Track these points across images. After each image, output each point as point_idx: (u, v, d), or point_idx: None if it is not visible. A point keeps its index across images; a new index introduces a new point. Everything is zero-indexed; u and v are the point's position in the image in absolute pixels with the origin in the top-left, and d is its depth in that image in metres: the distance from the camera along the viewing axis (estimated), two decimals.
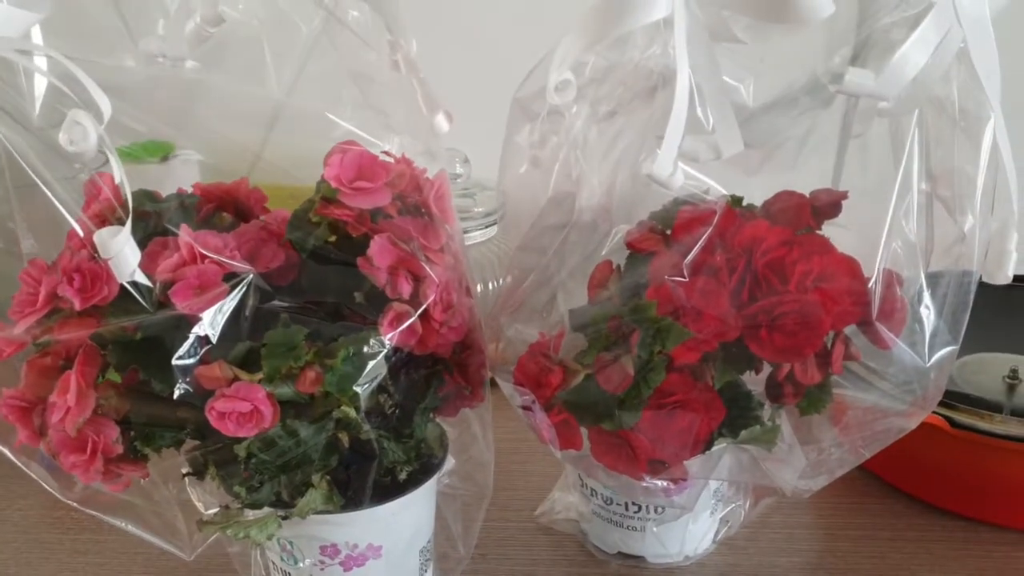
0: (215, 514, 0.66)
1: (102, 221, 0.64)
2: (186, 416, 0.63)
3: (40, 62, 0.58)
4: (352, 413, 0.63)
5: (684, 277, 0.61)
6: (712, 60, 0.56)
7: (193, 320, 0.60)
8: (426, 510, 0.73)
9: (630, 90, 0.58)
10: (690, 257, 0.61)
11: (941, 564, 0.79)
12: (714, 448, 0.67)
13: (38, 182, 0.57)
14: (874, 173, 0.68)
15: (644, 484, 0.69)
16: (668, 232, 0.66)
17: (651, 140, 0.58)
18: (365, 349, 0.62)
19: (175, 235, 0.61)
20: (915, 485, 0.88)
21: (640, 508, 0.78)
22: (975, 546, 0.81)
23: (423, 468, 0.70)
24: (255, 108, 0.73)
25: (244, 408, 0.59)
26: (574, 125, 0.60)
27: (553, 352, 0.66)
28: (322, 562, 0.70)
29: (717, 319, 0.61)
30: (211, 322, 0.60)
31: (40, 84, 0.59)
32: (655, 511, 0.77)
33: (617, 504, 0.79)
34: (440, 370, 0.69)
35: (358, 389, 0.62)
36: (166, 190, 0.69)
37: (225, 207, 0.71)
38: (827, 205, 0.68)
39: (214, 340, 0.60)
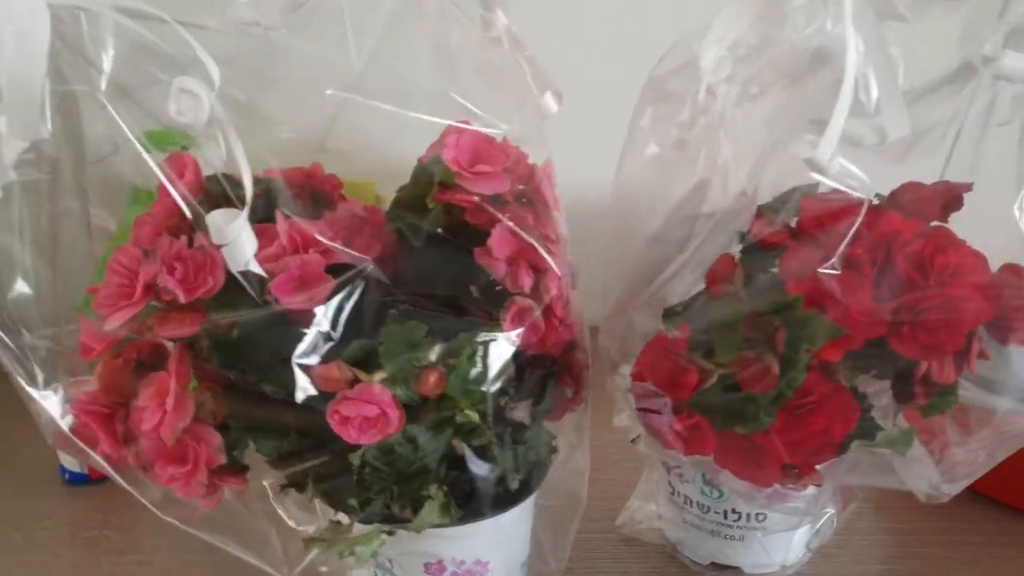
0: (324, 530, 0.60)
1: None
2: (294, 421, 0.57)
3: (110, 26, 0.51)
4: (475, 417, 0.58)
5: (833, 270, 0.57)
6: (879, 37, 0.53)
7: (305, 315, 0.55)
8: (528, 523, 0.68)
9: (779, 71, 0.54)
10: (841, 250, 0.57)
11: None
12: (849, 452, 0.63)
13: (147, 158, 0.51)
14: (992, 163, 0.65)
15: (771, 490, 0.65)
16: (793, 225, 0.62)
17: (804, 123, 0.54)
18: (492, 347, 0.57)
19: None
20: (1000, 489, 0.86)
21: (740, 516, 0.74)
22: None
23: (529, 477, 0.65)
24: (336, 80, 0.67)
25: (371, 412, 0.54)
26: (724, 106, 0.55)
27: (683, 350, 0.62)
28: None
29: (864, 315, 0.58)
30: (331, 317, 0.55)
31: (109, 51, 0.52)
32: (756, 519, 0.74)
33: (715, 512, 0.75)
34: (555, 371, 0.64)
35: (485, 391, 0.57)
36: None
37: (302, 194, 0.65)
38: (955, 198, 0.65)
39: (335, 337, 0.55)
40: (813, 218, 0.58)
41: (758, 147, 0.56)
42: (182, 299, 0.53)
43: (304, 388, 0.53)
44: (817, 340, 0.58)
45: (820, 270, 0.57)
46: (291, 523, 0.63)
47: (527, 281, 0.59)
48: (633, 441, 0.77)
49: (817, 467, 0.63)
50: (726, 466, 0.63)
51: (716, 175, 0.58)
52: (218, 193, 0.59)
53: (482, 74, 0.64)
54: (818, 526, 0.76)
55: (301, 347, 0.54)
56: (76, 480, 0.88)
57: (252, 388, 0.56)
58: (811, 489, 0.68)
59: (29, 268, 0.54)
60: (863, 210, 0.58)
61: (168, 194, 0.59)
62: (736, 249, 0.66)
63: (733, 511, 0.74)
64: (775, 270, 0.62)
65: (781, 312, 0.59)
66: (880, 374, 0.63)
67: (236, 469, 0.58)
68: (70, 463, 0.88)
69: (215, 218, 0.51)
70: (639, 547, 0.80)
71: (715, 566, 0.77)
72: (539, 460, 0.66)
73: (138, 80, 0.50)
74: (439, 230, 0.60)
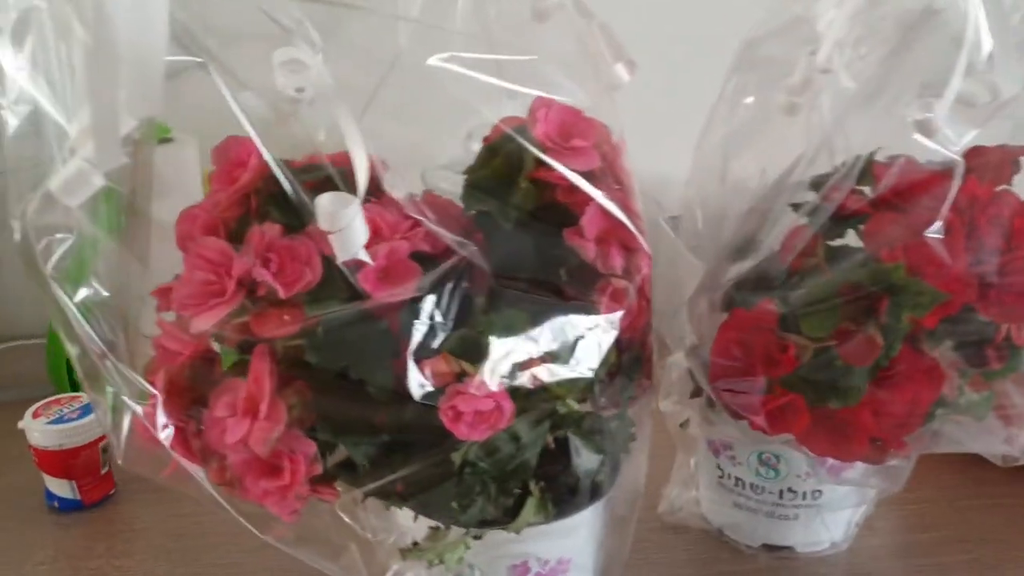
0: (424, 539, 0.56)
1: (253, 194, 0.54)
2: (390, 421, 0.52)
3: None
4: (576, 407, 0.55)
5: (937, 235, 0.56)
6: None
7: (395, 307, 0.50)
8: (601, 516, 0.65)
9: (888, 30, 0.53)
10: (943, 216, 0.56)
11: None
12: (934, 420, 0.62)
13: (255, 138, 0.45)
14: None
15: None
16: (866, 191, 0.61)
17: (913, 86, 0.53)
18: (595, 333, 0.54)
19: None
20: None
21: (796, 495, 0.73)
22: None
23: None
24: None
25: (485, 406, 0.50)
26: (837, 68, 0.54)
27: (774, 325, 0.60)
28: None
29: (961, 280, 0.57)
30: (442, 307, 0.50)
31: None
32: (812, 497, 0.73)
33: (770, 493, 0.73)
34: (639, 355, 0.61)
35: (591, 378, 0.54)
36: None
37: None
38: (1015, 161, 0.65)
39: (445, 329, 0.51)
40: (908, 184, 0.57)
41: (864, 112, 0.54)
42: (282, 294, 0.48)
43: (420, 384, 0.49)
44: (921, 308, 0.57)
45: (927, 235, 0.56)
46: (368, 535, 0.58)
47: (619, 261, 0.56)
48: (682, 425, 0.75)
49: (905, 438, 0.62)
50: (810, 444, 0.62)
51: (824, 141, 0.56)
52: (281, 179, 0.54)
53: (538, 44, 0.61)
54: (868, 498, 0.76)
55: (416, 339, 0.49)
56: (67, 507, 0.81)
57: (347, 388, 0.51)
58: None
59: (102, 267, 0.47)
60: (958, 174, 0.57)
61: (227, 183, 0.54)
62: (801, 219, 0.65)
63: (789, 490, 0.73)
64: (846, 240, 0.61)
65: (880, 281, 0.57)
66: (959, 340, 0.62)
67: (329, 478, 0.53)
68: (59, 488, 0.80)
69: (326, 203, 0.46)
70: (684, 534, 0.78)
71: (767, 547, 0.76)
72: (617, 451, 0.63)
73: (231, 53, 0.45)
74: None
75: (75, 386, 0.94)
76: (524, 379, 0.52)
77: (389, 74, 0.58)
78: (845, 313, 0.58)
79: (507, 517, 0.57)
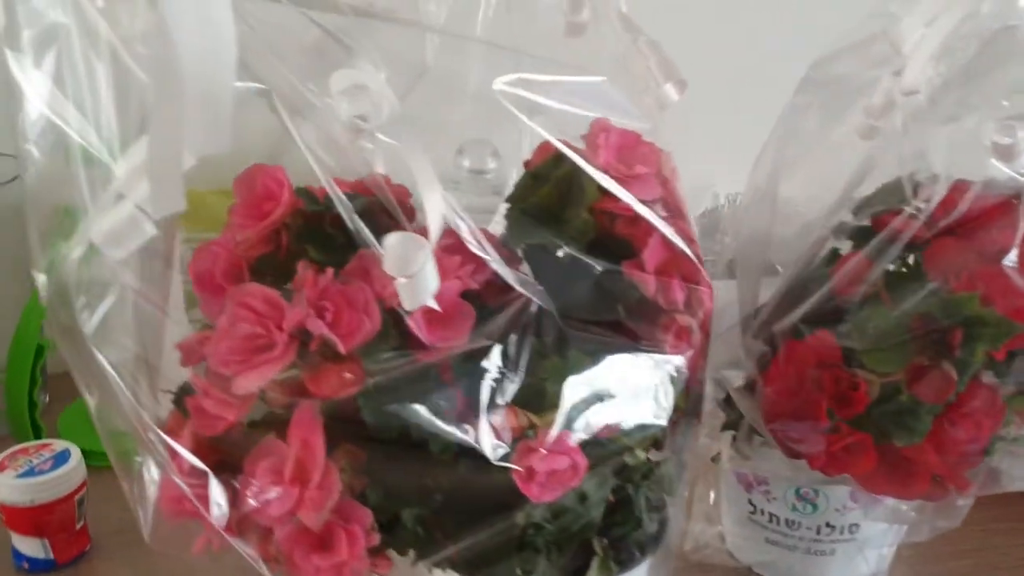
0: None
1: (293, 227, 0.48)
2: (446, 483, 0.47)
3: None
4: (643, 456, 0.51)
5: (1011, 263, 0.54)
6: None
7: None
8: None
9: (960, 51, 0.50)
10: (1018, 242, 0.53)
11: None
12: (994, 455, 0.59)
13: (318, 171, 0.40)
14: None
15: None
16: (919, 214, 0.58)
17: (990, 107, 0.50)
18: (665, 374, 0.50)
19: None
20: None
21: (834, 529, 0.69)
22: None
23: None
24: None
25: (561, 464, 0.45)
26: (924, 91, 0.50)
27: (838, 361, 0.56)
28: None
29: None
30: (511, 355, 0.46)
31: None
32: (849, 531, 0.70)
33: (807, 528, 0.70)
34: (700, 394, 0.57)
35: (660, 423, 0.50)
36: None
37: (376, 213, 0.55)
38: None
39: (514, 380, 0.46)
40: (978, 210, 0.54)
41: (941, 136, 0.51)
42: (341, 349, 0.42)
43: (495, 444, 0.44)
44: (998, 340, 0.54)
45: (1006, 263, 0.53)
46: None
47: (680, 295, 0.52)
48: (713, 459, 0.71)
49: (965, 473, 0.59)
50: (871, 483, 0.59)
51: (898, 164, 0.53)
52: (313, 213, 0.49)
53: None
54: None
55: (484, 393, 0.44)
56: (38, 568, 0.73)
57: (401, 448, 0.46)
58: None
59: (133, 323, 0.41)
60: None
61: (254, 217, 0.48)
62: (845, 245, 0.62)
63: (827, 525, 0.69)
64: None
65: (953, 313, 0.54)
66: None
67: (380, 548, 0.48)
68: (29, 547, 0.72)
69: (395, 245, 0.41)
70: (711, 572, 0.75)
71: None
72: (669, 493, 0.59)
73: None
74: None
75: (37, 429, 0.86)
76: (595, 430, 0.47)
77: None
78: (915, 347, 0.55)
79: None
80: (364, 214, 0.49)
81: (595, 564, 0.52)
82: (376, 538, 0.46)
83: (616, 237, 0.52)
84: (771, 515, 0.71)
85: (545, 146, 0.52)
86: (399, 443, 0.46)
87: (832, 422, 0.56)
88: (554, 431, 0.45)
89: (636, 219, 0.51)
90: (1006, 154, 0.51)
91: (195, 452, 0.46)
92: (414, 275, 0.41)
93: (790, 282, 0.59)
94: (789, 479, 0.68)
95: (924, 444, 0.57)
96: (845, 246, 0.63)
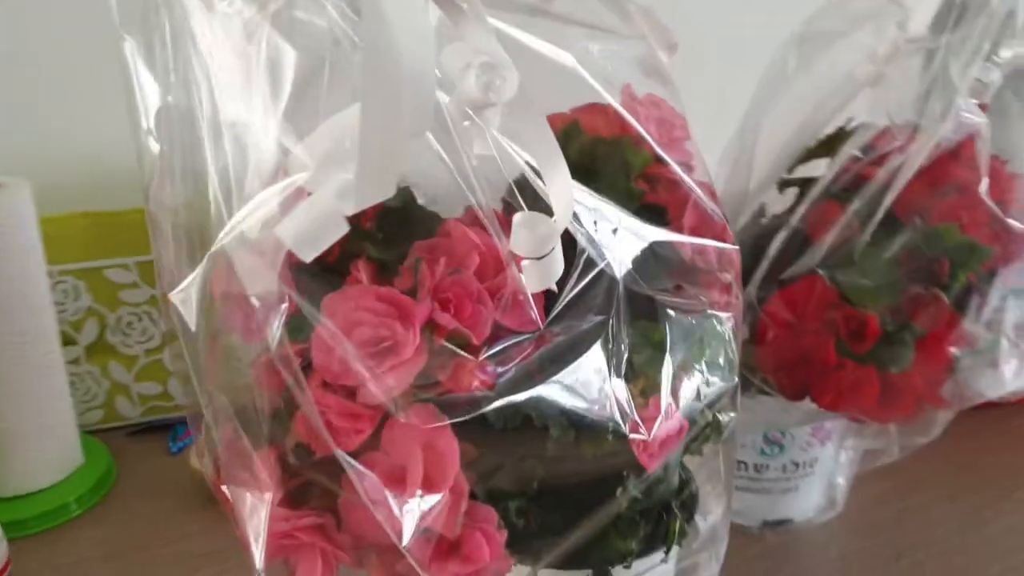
0: None
1: None
2: (565, 468, 0.46)
3: None
4: (711, 416, 0.52)
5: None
6: None
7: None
8: None
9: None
10: (984, 174, 0.59)
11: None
12: (959, 371, 0.65)
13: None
14: None
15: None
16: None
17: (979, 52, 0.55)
18: (727, 333, 0.51)
19: None
20: None
21: (798, 466, 0.74)
22: None
23: None
24: None
25: (673, 429, 0.45)
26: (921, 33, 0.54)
27: (838, 300, 0.60)
28: None
29: (1006, 233, 0.60)
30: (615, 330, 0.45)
31: None
32: (810, 466, 0.74)
33: (774, 469, 0.74)
34: None
35: (734, 381, 0.51)
36: None
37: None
38: None
39: (620, 353, 0.45)
40: (947, 149, 0.59)
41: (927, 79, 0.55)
42: (475, 340, 0.40)
43: (618, 417, 0.43)
44: (976, 265, 0.59)
45: (981, 194, 0.58)
46: None
47: (713, 256, 0.53)
48: None
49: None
50: (871, 413, 0.63)
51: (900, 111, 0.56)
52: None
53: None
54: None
55: (604, 369, 0.43)
56: None
57: (512, 439, 0.44)
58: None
59: None
60: (987, 136, 0.60)
61: None
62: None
63: (792, 463, 0.73)
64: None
65: (937, 244, 0.59)
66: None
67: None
68: None
69: (526, 225, 0.39)
70: None
71: (767, 524, 0.76)
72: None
73: None
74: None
75: None
76: (691, 393, 0.47)
77: None
78: (905, 282, 0.59)
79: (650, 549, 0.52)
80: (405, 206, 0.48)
81: (676, 527, 0.52)
82: (503, 535, 0.44)
83: (653, 204, 0.52)
84: (740, 463, 0.74)
85: (552, 120, 0.52)
86: (509, 434, 0.44)
87: (840, 360, 0.60)
88: (664, 398, 0.45)
89: (675, 184, 0.51)
90: (980, 93, 0.55)
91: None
92: (544, 256, 0.40)
93: (755, 233, 0.62)
94: (760, 425, 0.71)
95: (913, 370, 0.61)
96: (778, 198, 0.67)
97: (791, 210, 0.65)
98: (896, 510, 0.79)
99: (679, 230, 0.52)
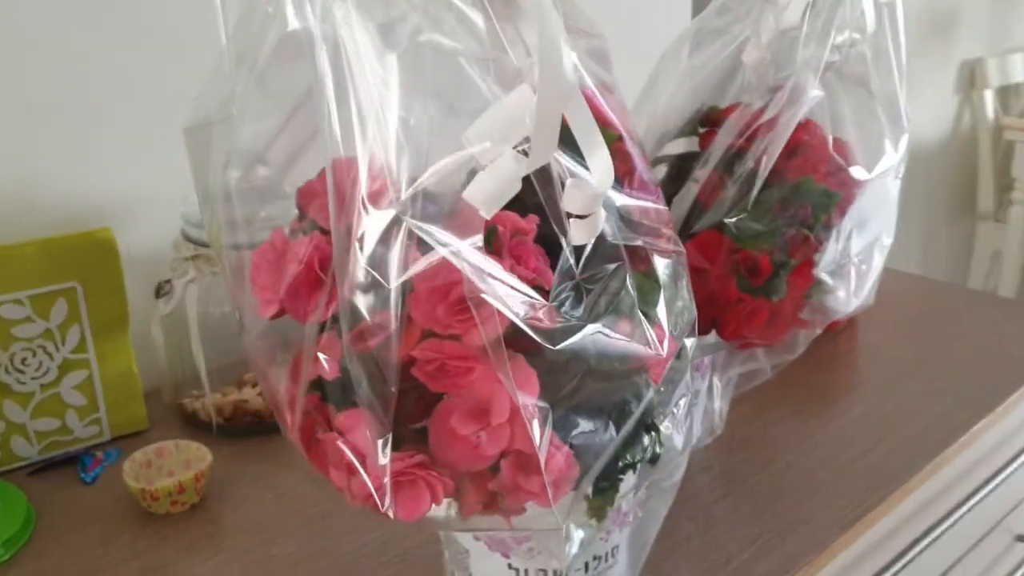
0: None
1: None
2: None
3: None
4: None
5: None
6: None
7: None
8: None
9: None
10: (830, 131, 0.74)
11: None
12: (813, 296, 0.81)
13: None
14: None
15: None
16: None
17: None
18: (684, 275, 0.62)
19: None
20: None
21: None
22: None
23: None
24: None
25: (672, 351, 0.56)
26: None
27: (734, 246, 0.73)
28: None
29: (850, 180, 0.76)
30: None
31: None
32: (694, 399, 0.87)
33: None
34: None
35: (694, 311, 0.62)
36: None
37: None
38: None
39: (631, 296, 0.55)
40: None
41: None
42: (546, 285, 0.49)
43: (646, 342, 0.54)
44: (831, 207, 0.74)
45: (829, 150, 0.73)
46: None
47: (653, 214, 0.65)
48: None
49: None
50: (761, 337, 0.77)
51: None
52: None
53: None
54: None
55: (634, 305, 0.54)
56: None
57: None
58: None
59: None
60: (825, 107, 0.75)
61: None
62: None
63: None
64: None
65: (801, 193, 0.74)
66: None
67: None
68: None
69: (576, 187, 0.49)
70: None
71: None
72: None
73: None
74: None
75: None
76: (674, 323, 0.58)
77: None
78: (780, 226, 0.74)
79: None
80: None
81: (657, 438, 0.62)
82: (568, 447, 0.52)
83: None
84: None
85: None
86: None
87: (739, 295, 0.73)
88: (666, 327, 0.56)
89: (627, 156, 0.62)
90: (827, 70, 0.70)
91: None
92: (591, 216, 0.49)
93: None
94: None
95: (787, 297, 0.76)
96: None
97: (672, 180, 0.78)
98: (757, 427, 0.95)
99: (629, 195, 0.62)
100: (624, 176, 0.63)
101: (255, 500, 0.84)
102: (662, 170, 0.82)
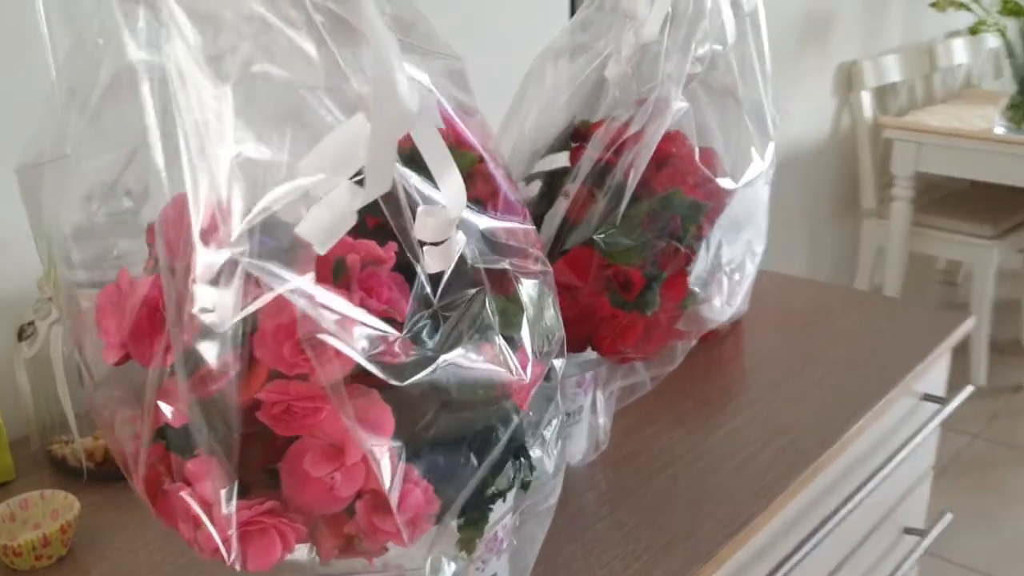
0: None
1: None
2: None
3: None
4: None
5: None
6: None
7: None
8: None
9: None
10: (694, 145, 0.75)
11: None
12: (688, 306, 0.81)
13: None
14: None
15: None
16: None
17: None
18: (549, 296, 0.62)
19: None
20: None
21: (569, 416, 0.86)
22: None
23: None
24: None
25: (538, 375, 0.55)
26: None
27: (604, 262, 0.72)
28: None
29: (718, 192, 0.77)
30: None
31: None
32: (579, 413, 0.87)
33: None
34: None
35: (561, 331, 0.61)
36: None
37: None
38: None
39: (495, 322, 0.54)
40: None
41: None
42: (400, 318, 0.47)
43: (503, 368, 0.53)
44: (699, 218, 0.74)
45: (696, 162, 0.73)
46: None
47: (521, 235, 0.64)
48: None
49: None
50: (636, 351, 0.76)
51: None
52: None
53: None
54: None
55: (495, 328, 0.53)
56: None
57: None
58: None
59: None
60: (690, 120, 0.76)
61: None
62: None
63: (566, 414, 0.86)
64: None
65: (669, 206, 0.74)
66: None
67: None
68: None
69: (428, 215, 0.47)
70: None
71: None
72: None
73: None
74: None
75: None
76: (539, 345, 0.57)
77: None
78: (650, 239, 0.73)
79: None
80: None
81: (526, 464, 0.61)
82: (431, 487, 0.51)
83: (475, 197, 0.61)
84: None
85: None
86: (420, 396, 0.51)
87: (612, 311, 0.73)
88: (528, 350, 0.55)
89: (490, 178, 0.61)
90: (688, 82, 0.71)
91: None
92: (445, 242, 0.48)
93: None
94: None
95: (659, 311, 0.76)
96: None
97: (544, 197, 0.78)
98: (641, 439, 0.95)
99: (494, 217, 0.61)
100: (488, 198, 0.62)
101: (125, 550, 0.80)
102: (536, 187, 0.81)
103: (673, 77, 0.69)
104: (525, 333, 0.56)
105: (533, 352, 0.55)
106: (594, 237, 0.71)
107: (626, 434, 0.95)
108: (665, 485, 0.88)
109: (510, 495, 0.60)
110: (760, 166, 0.84)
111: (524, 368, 0.54)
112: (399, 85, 0.40)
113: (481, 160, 0.59)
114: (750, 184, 0.82)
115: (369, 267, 0.48)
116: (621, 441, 0.93)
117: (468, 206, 0.59)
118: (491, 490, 0.58)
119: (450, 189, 0.48)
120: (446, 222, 0.48)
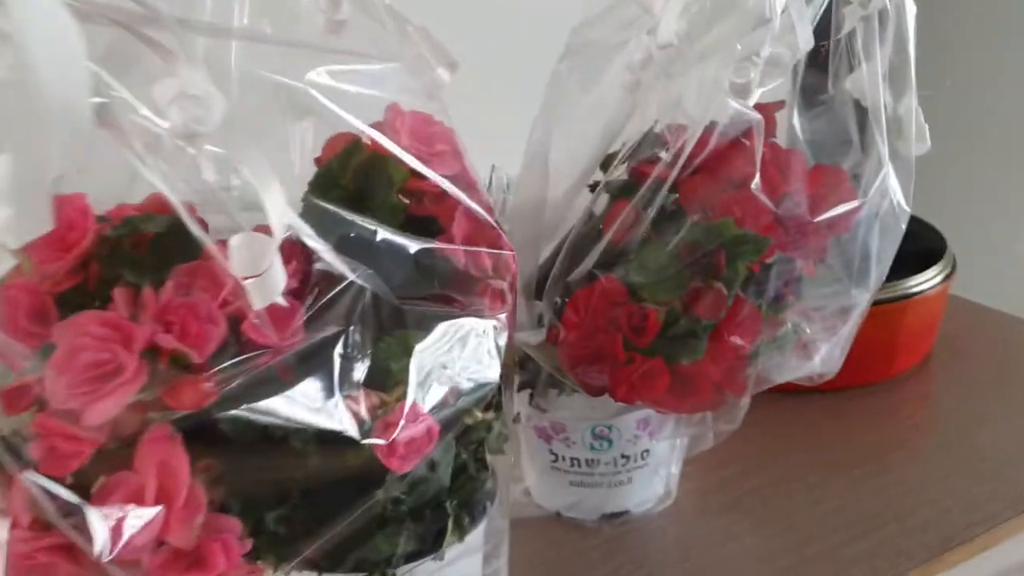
0: None
1: None
2: (304, 477, 0.48)
3: None
4: (480, 416, 0.54)
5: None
6: None
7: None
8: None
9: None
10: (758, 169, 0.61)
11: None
12: (758, 359, 0.68)
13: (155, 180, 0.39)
14: None
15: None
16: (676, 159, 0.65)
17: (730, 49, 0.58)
18: (492, 336, 0.53)
19: None
20: None
21: (628, 459, 0.76)
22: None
23: None
24: None
25: (420, 431, 0.47)
26: (680, 43, 0.56)
27: (624, 298, 0.62)
28: None
29: (779, 225, 0.63)
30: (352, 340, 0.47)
31: None
32: (642, 457, 0.76)
33: (605, 464, 0.76)
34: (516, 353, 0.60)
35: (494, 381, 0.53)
36: None
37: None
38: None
39: (362, 361, 0.47)
40: (724, 146, 0.61)
41: (691, 82, 0.57)
42: (196, 359, 0.42)
43: (355, 424, 0.45)
44: (755, 254, 0.61)
45: (754, 189, 0.60)
46: None
47: (488, 262, 0.55)
48: (515, 420, 0.75)
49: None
50: (668, 403, 0.65)
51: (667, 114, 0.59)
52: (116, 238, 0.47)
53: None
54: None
55: (336, 380, 0.45)
56: None
57: (256, 452, 0.46)
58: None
59: None
60: (761, 131, 0.62)
61: (59, 250, 0.46)
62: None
63: (623, 456, 0.76)
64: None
65: (715, 237, 0.61)
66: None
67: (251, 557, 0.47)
68: None
69: (242, 246, 0.41)
70: (524, 527, 0.78)
71: (605, 517, 0.79)
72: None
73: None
74: None
75: None
76: (440, 396, 0.49)
77: None
78: (688, 274, 0.62)
79: (427, 548, 0.54)
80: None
81: (451, 525, 0.54)
82: (249, 544, 0.45)
83: (422, 216, 0.54)
84: (572, 459, 0.76)
85: (336, 139, 0.54)
86: (253, 446, 0.46)
87: (628, 354, 0.62)
88: (408, 402, 0.47)
89: (442, 196, 0.53)
90: (742, 92, 0.58)
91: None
92: (264, 273, 0.42)
93: (572, 240, 0.64)
94: (586, 418, 0.73)
95: (704, 359, 0.64)
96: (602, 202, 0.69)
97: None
98: (732, 497, 0.82)
99: (451, 240, 0.54)
100: (443, 218, 0.54)
101: None
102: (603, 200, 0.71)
103: (715, 83, 0.56)
104: (413, 382, 0.48)
105: (420, 403, 0.47)
106: (594, 270, 0.60)
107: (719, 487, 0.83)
108: (735, 553, 0.75)
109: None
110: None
111: (392, 426, 0.46)
112: (64, 96, 0.31)
113: (415, 175, 0.51)
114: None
115: (187, 295, 0.43)
116: (709, 492, 0.82)
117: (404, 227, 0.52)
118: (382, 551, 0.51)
119: (272, 211, 0.41)
120: (259, 251, 0.41)
